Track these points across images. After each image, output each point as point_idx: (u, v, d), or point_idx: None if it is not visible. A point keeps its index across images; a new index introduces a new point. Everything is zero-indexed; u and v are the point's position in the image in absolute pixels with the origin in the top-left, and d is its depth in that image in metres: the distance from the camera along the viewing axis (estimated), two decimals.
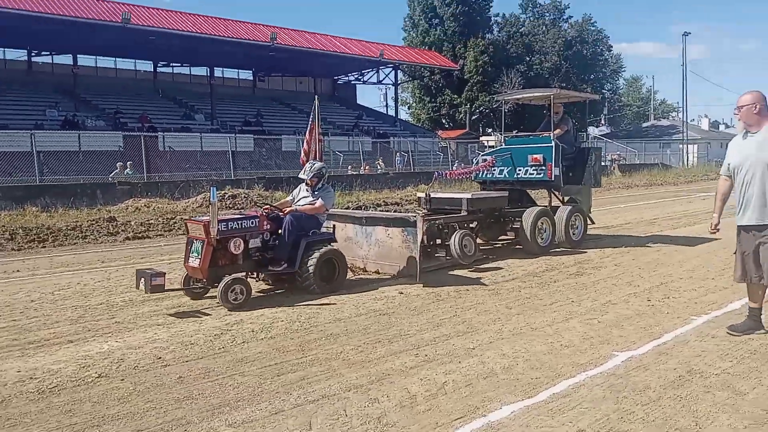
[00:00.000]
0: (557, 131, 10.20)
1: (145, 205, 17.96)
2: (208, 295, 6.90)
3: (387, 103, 67.44)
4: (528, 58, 51.79)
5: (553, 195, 10.83)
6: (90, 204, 17.54)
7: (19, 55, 34.81)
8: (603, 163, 25.77)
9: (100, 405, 4.05)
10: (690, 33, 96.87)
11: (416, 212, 8.97)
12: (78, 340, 5.47)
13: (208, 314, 6.31)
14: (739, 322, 5.40)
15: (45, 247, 11.62)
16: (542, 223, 9.77)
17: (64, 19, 26.68)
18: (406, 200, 19.91)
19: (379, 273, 8.18)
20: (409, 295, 7.07)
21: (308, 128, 8.95)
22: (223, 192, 18.73)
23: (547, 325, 5.75)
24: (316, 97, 9.43)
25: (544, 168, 10.02)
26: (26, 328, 5.91)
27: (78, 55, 34.55)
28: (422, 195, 10.17)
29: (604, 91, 54.47)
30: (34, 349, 5.23)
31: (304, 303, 6.70)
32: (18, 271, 9.15)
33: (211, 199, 6.56)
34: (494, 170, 10.68)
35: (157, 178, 21.43)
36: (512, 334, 5.51)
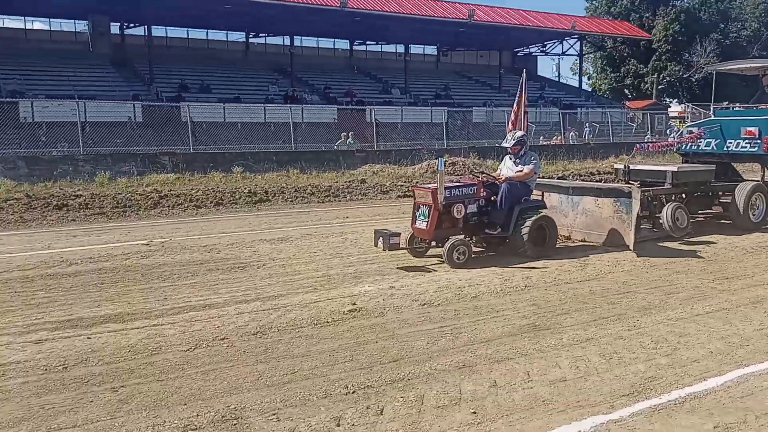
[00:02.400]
0: None
1: (380, 170, 20.22)
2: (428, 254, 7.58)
3: (559, 73, 66.13)
4: (723, 26, 48.37)
5: (765, 170, 10.41)
6: (335, 168, 20.08)
7: (238, 37, 39.29)
8: None
9: (535, 304, 5.67)
10: None
11: (630, 184, 9.04)
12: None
13: (435, 270, 6.97)
14: None
15: (340, 201, 13.99)
16: (756, 199, 9.52)
17: (283, 4, 29.72)
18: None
19: (585, 241, 8.38)
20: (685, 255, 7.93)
21: (516, 100, 9.38)
22: (443, 160, 20.46)
23: None
24: (524, 71, 9.91)
25: (759, 141, 9.72)
26: (396, 257, 7.59)
27: (285, 36, 38.19)
28: (620, 166, 10.15)
29: None
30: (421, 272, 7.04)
31: (592, 255, 7.96)
32: (336, 218, 11.37)
33: (438, 168, 7.21)
34: (700, 142, 10.43)
35: (382, 147, 23.70)
36: None
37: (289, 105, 26.72)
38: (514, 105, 9.47)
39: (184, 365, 4.24)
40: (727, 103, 12.93)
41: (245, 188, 13.97)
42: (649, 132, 32.17)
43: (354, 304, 5.58)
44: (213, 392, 3.81)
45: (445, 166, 20.53)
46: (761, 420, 3.39)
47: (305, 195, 14.13)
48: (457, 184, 7.61)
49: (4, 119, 19.92)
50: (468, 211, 7.40)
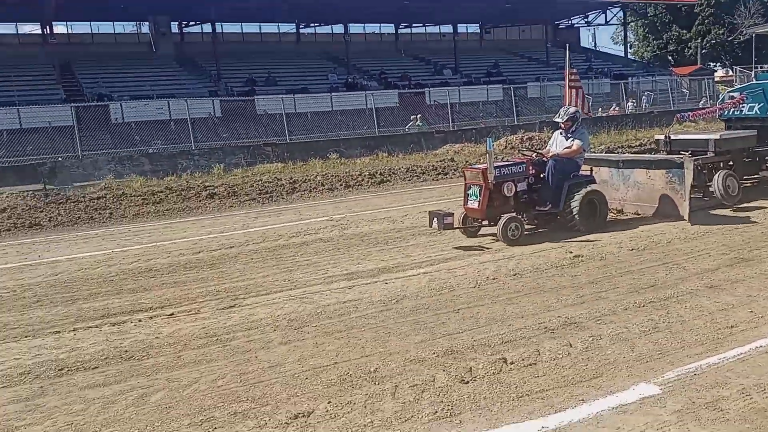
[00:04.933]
0: None
1: (461, 149, 21.29)
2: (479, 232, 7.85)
3: (595, 43, 66.04)
4: None
5: None
6: (418, 150, 21.21)
7: (288, 28, 40.54)
8: None
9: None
10: None
11: (681, 154, 8.69)
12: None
13: (488, 248, 7.25)
14: None
15: (451, 178, 15.14)
16: None
17: None
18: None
19: (637, 214, 8.41)
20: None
21: (565, 77, 9.85)
22: (520, 136, 21.52)
23: None
24: (566, 46, 10.42)
25: None
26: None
27: (333, 25, 39.31)
28: (660, 137, 10.02)
29: None
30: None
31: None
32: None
33: (488, 149, 7.51)
34: (743, 107, 10.36)
35: (455, 127, 24.76)
36: None
37: (366, 92, 27.90)
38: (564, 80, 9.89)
39: (484, 296, 5.46)
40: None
41: (363, 172, 15.15)
42: (706, 97, 32.60)
43: (570, 252, 6.74)
44: (532, 311, 5.01)
45: (522, 141, 21.72)
46: None
47: (417, 174, 15.32)
48: (506, 163, 7.88)
49: (100, 121, 21.73)
50: (518, 189, 7.61)
